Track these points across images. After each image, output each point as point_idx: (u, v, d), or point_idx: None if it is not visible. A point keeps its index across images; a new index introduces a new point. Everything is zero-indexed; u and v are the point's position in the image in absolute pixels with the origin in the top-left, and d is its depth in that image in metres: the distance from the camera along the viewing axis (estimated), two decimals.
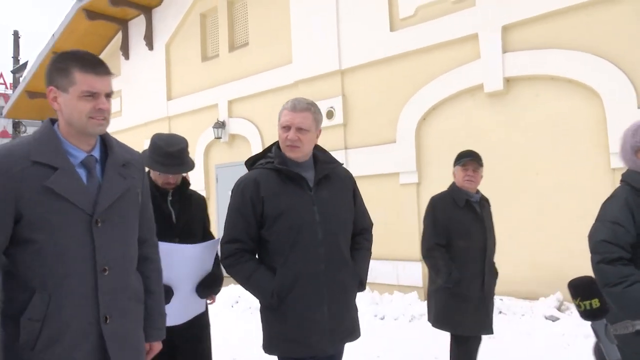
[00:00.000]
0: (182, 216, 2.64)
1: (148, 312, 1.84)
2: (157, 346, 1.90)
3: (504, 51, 5.82)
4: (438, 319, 3.18)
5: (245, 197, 2.13)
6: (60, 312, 1.55)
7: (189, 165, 2.67)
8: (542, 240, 5.53)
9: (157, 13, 10.61)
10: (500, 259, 5.73)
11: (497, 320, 3.67)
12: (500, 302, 5.35)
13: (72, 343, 1.55)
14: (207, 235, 2.84)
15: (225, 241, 2.19)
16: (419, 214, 6.36)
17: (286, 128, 2.16)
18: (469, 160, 3.30)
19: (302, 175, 2.17)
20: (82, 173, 1.63)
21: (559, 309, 4.97)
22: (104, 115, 1.61)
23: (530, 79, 5.72)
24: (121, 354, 1.63)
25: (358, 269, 2.27)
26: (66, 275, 1.55)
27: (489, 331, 3.18)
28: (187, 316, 2.60)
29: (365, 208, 2.46)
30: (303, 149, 2.17)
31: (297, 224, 2.11)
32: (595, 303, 1.24)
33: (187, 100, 9.94)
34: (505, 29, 5.83)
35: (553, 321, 4.75)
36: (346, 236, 2.25)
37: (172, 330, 2.23)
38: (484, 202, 3.46)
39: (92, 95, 1.58)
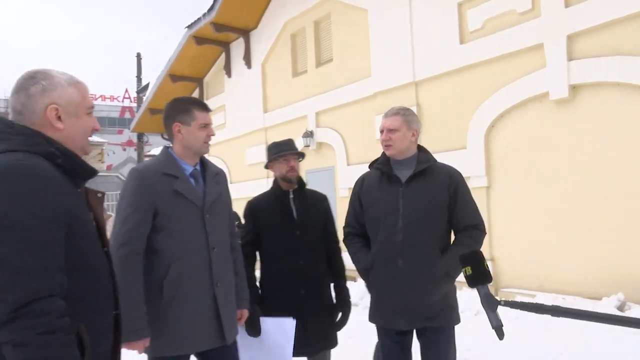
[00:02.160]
0: (302, 212, 2.92)
1: (239, 287, 2.47)
2: (246, 313, 2.55)
3: (569, 59, 6.02)
4: None
5: (354, 191, 2.72)
6: (188, 278, 2.20)
7: (298, 151, 3.01)
8: (608, 242, 5.67)
9: (254, 35, 11.84)
10: (567, 261, 5.98)
11: (556, 318, 4.04)
12: (562, 301, 5.60)
13: (197, 299, 2.25)
14: (328, 229, 3.02)
15: (344, 225, 2.77)
16: (489, 215, 6.73)
17: (382, 132, 2.61)
18: None
19: (393, 173, 2.56)
20: (192, 181, 2.33)
21: (619, 308, 5.14)
22: (210, 140, 2.41)
23: (595, 85, 5.87)
24: (225, 308, 2.31)
25: (444, 259, 2.44)
26: (189, 251, 2.25)
27: None
28: None
29: (474, 205, 2.59)
30: (395, 146, 2.55)
31: (381, 214, 2.53)
32: (468, 270, 1.45)
33: (280, 113, 11.02)
34: (570, 38, 6.03)
35: None
36: (430, 227, 2.47)
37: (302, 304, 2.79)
38: None
39: (206, 126, 2.34)
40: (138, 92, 20.14)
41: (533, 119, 6.48)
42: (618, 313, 5.09)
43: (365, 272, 2.62)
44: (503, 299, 1.46)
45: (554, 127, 6.25)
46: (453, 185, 2.53)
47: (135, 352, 2.16)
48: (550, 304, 1.33)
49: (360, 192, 2.69)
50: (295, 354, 2.70)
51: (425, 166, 2.54)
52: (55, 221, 1.30)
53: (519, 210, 6.58)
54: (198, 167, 2.39)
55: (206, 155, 2.50)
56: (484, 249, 7.57)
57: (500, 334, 1.38)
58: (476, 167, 7.00)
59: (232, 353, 2.41)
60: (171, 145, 2.39)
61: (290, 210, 2.91)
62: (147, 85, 18.27)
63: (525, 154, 6.55)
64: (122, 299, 1.68)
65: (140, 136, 18.54)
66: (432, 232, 2.48)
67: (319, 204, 3.02)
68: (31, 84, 1.43)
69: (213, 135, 2.41)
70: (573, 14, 5.97)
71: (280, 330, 2.66)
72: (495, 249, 6.88)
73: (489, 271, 1.46)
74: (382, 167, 2.62)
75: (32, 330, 1.19)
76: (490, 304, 1.39)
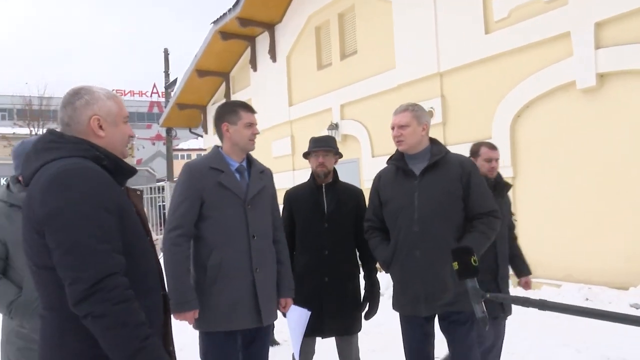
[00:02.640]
0: (332, 206, 3.07)
1: (282, 276, 2.67)
2: (290, 301, 2.72)
3: (597, 47, 5.95)
4: None
5: (373, 187, 2.86)
6: (228, 263, 2.43)
7: (333, 147, 3.12)
8: (635, 232, 5.61)
9: (278, 29, 11.96)
10: (593, 251, 5.93)
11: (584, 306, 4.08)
12: (588, 291, 5.58)
13: (237, 282, 2.46)
14: (359, 224, 3.05)
15: (364, 220, 2.89)
16: (515, 205, 6.69)
17: (393, 129, 2.73)
18: None
19: (407, 167, 2.67)
20: (236, 175, 2.56)
21: None
22: (255, 138, 2.63)
23: (623, 74, 5.79)
24: (264, 292, 2.50)
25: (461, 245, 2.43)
26: (230, 238, 2.47)
27: None
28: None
29: (487, 193, 2.65)
30: (407, 141, 2.66)
31: (398, 208, 2.64)
32: (455, 265, 1.60)
33: (305, 106, 11.14)
34: (598, 25, 5.94)
35: (637, 309, 4.92)
36: (444, 218, 2.54)
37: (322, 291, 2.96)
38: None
39: (251, 125, 2.57)
40: (166, 88, 20.52)
41: (559, 109, 6.42)
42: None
43: (385, 264, 2.75)
44: (489, 294, 1.56)
45: (580, 116, 6.19)
46: (465, 175, 2.59)
47: (185, 327, 2.39)
48: (574, 295, 1.40)
49: (378, 187, 2.81)
50: (310, 333, 2.90)
51: (437, 158, 2.62)
52: (111, 212, 1.51)
53: (545, 200, 6.55)
54: (244, 164, 2.61)
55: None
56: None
57: (484, 324, 1.52)
58: (501, 158, 6.93)
59: (268, 334, 2.65)
60: (221, 144, 2.65)
61: (322, 202, 3.07)
62: (174, 81, 18.60)
63: (552, 143, 6.51)
64: (173, 275, 2.04)
65: (169, 131, 18.91)
66: (447, 222, 2.55)
67: (351, 199, 3.13)
68: (76, 99, 1.63)
69: (257, 133, 2.61)
70: (600, 1, 5.88)
71: (297, 316, 2.84)
72: (520, 238, 6.78)
73: (475, 266, 1.59)
74: (397, 162, 2.73)
75: (107, 302, 1.40)
76: (475, 296, 1.53)
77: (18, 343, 2.40)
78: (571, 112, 6.29)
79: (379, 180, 2.83)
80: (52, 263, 1.44)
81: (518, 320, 5.12)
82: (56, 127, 1.71)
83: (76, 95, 1.63)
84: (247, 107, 2.60)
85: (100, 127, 1.63)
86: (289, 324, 2.88)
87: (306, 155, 3.17)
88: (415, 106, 2.73)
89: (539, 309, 1.34)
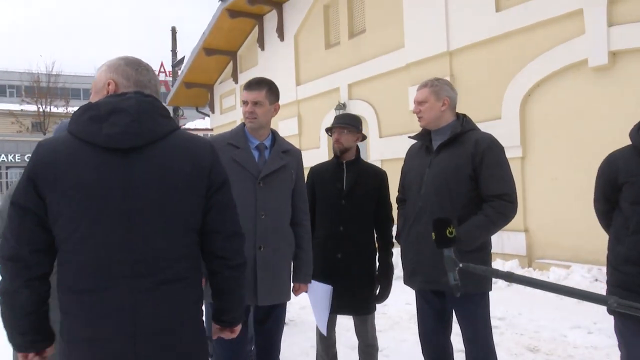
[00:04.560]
0: (351, 183, 3.05)
1: (300, 261, 2.64)
2: (304, 287, 2.69)
3: (610, 24, 5.83)
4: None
5: (404, 159, 2.88)
6: None
7: (351, 126, 3.07)
8: None
9: (287, 8, 11.81)
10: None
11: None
12: (597, 272, 5.58)
13: None
14: (380, 203, 3.08)
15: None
16: (523, 186, 6.68)
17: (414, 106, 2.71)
18: None
19: (424, 143, 2.68)
20: (255, 153, 2.55)
21: None
22: (252, 116, 2.57)
23: (637, 52, 5.68)
24: (265, 273, 2.45)
25: (459, 228, 2.31)
26: (240, 213, 2.37)
27: None
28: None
29: (500, 174, 2.47)
30: (425, 117, 2.63)
31: (410, 182, 2.69)
32: (433, 235, 1.71)
33: (313, 85, 11.06)
34: (611, 2, 5.82)
35: None
36: (450, 194, 2.50)
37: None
38: None
39: (244, 103, 2.57)
40: (173, 66, 20.44)
41: (571, 88, 6.33)
42: None
43: (396, 237, 2.84)
44: (462, 263, 1.62)
45: (592, 95, 6.10)
46: (479, 154, 2.46)
47: None
48: (584, 275, 1.46)
49: (406, 159, 2.87)
50: None
51: (452, 135, 2.55)
52: None
53: (555, 180, 6.51)
54: (266, 142, 2.61)
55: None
56: (518, 219, 7.54)
57: (456, 292, 1.61)
58: (511, 138, 6.91)
59: (282, 312, 2.65)
60: None
61: (341, 179, 3.07)
62: (182, 59, 18.52)
63: (562, 123, 6.44)
64: None
65: (175, 110, 18.90)
66: (448, 201, 2.50)
67: (372, 179, 3.10)
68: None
69: (246, 111, 2.57)
70: None
71: (319, 292, 2.84)
72: (529, 219, 6.85)
73: (451, 237, 1.68)
74: (421, 137, 2.74)
75: None
76: (450, 265, 1.62)
77: None
78: (582, 91, 6.20)
79: (408, 152, 2.89)
80: None
81: (528, 302, 5.17)
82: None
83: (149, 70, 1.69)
84: (246, 85, 2.62)
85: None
86: (310, 300, 2.89)
87: (330, 132, 3.19)
88: (435, 81, 2.67)
89: (506, 281, 1.42)
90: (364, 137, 3.19)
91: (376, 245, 3.14)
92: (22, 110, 32.16)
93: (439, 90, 2.62)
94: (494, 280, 2.69)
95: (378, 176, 3.14)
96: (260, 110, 2.56)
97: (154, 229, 1.45)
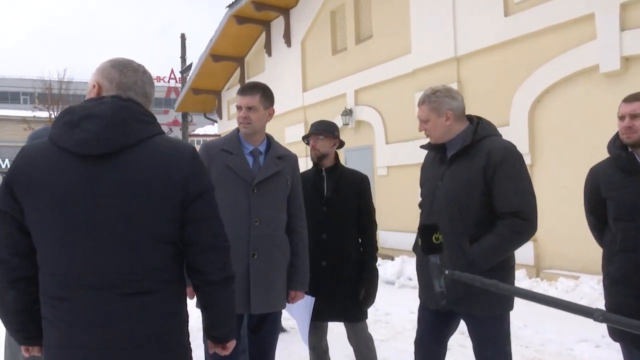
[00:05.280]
0: (332, 190, 3.02)
1: (295, 269, 2.59)
2: (300, 295, 2.64)
3: (622, 29, 5.68)
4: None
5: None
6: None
7: (326, 132, 3.01)
8: None
9: (293, 13, 11.78)
10: None
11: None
12: None
13: (235, 265, 2.42)
14: (362, 209, 3.03)
15: None
16: None
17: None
18: None
19: (437, 154, 2.48)
20: (249, 159, 2.52)
21: None
22: (245, 121, 2.53)
23: None
24: (258, 281, 2.43)
25: (471, 249, 2.24)
26: (232, 221, 2.33)
27: None
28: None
29: (514, 189, 2.25)
30: (432, 135, 2.42)
31: (425, 194, 2.53)
32: (419, 242, 1.68)
33: (319, 91, 10.98)
34: (624, 6, 5.68)
35: None
36: (461, 212, 2.28)
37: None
38: None
39: (238, 108, 2.57)
40: (182, 73, 20.53)
41: (581, 94, 6.18)
42: None
43: (414, 246, 2.58)
44: (447, 271, 1.58)
45: (603, 102, 5.93)
46: (491, 167, 2.23)
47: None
48: (593, 287, 1.40)
49: (422, 168, 2.69)
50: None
51: (464, 145, 2.32)
52: None
53: (564, 189, 6.33)
54: (261, 148, 2.58)
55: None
56: None
57: (441, 299, 1.58)
58: (519, 145, 6.58)
59: (276, 321, 2.61)
60: None
61: (321, 187, 3.04)
62: (190, 66, 18.58)
63: (572, 130, 6.27)
64: None
65: (184, 116, 18.93)
66: (459, 218, 2.29)
67: (354, 185, 3.06)
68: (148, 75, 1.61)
69: (240, 116, 2.52)
70: None
71: (301, 303, 2.75)
72: (537, 229, 6.66)
73: (437, 244, 1.65)
74: (433, 147, 2.52)
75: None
76: (435, 272, 1.60)
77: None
78: (593, 98, 6.04)
79: (424, 161, 2.70)
80: None
81: (535, 315, 4.99)
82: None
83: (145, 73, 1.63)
84: (240, 90, 2.58)
85: None
86: (293, 311, 2.81)
87: (306, 141, 3.11)
88: (432, 96, 2.40)
89: (493, 291, 1.39)
90: (341, 143, 3.14)
91: (361, 250, 3.07)
92: (34, 116, 32.51)
93: (439, 105, 2.38)
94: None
95: (358, 181, 3.10)
96: (255, 115, 2.52)
97: (121, 241, 1.38)
